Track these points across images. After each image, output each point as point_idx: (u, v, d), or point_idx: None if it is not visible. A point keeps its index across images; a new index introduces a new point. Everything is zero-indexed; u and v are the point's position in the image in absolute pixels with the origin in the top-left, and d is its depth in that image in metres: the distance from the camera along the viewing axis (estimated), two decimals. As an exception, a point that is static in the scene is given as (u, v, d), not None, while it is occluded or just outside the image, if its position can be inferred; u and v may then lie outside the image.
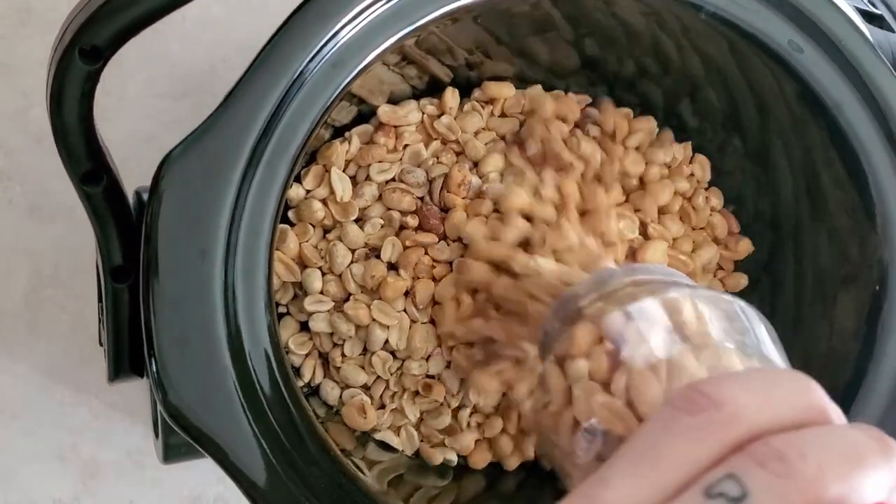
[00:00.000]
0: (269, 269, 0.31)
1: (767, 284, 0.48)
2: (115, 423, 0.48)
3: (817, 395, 0.20)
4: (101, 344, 0.38)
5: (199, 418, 0.30)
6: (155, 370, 0.30)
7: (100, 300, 0.36)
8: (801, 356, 0.44)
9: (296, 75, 0.31)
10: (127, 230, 0.33)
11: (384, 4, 0.32)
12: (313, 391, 0.40)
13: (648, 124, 0.46)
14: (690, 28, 0.41)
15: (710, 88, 0.45)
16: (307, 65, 0.31)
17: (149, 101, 0.50)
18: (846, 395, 0.41)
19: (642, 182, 0.45)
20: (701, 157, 0.47)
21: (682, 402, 0.19)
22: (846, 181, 0.42)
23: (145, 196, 0.35)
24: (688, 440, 0.18)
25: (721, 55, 0.42)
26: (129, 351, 0.35)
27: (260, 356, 0.31)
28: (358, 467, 0.34)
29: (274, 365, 0.31)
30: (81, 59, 0.30)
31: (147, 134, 0.49)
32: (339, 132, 0.41)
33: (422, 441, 0.41)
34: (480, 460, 0.41)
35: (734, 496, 0.17)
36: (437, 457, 0.41)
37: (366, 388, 0.40)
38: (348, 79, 0.32)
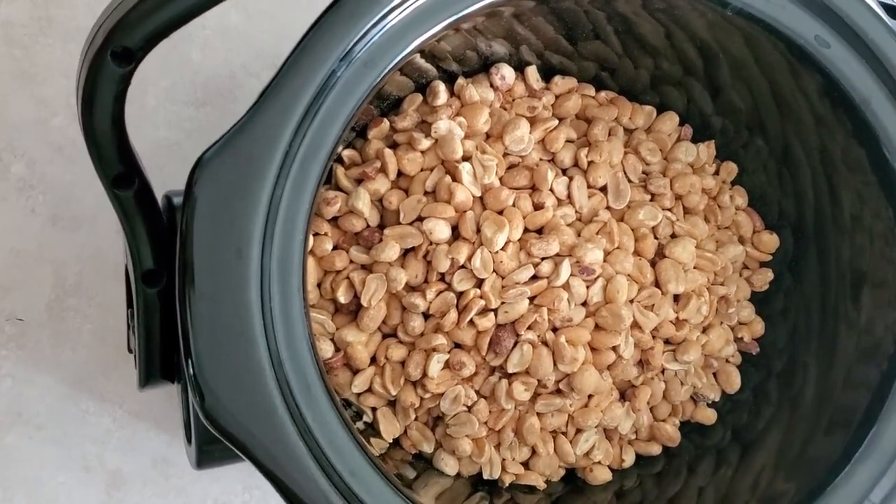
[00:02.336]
0: (303, 271, 0.31)
1: (790, 281, 0.47)
2: (139, 432, 0.47)
3: None
4: (129, 350, 0.37)
5: (238, 422, 0.29)
6: (192, 373, 0.29)
7: (129, 306, 0.36)
8: (828, 354, 0.44)
9: (328, 75, 0.31)
10: (158, 234, 0.33)
11: (414, 2, 0.32)
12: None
13: (671, 120, 0.46)
14: (714, 25, 0.41)
15: (733, 87, 0.45)
16: (339, 64, 0.31)
17: (170, 109, 0.50)
18: (876, 396, 0.40)
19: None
20: (728, 163, 0.47)
21: None
22: (873, 181, 0.42)
23: (175, 200, 0.35)
24: None
25: (744, 52, 0.42)
26: (160, 356, 0.35)
27: (296, 357, 0.30)
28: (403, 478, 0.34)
29: (313, 367, 0.31)
30: (113, 60, 0.29)
31: (169, 141, 0.49)
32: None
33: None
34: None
35: None
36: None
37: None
38: (380, 78, 0.32)
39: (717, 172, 0.47)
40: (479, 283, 0.40)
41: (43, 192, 0.47)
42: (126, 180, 0.32)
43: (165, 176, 0.48)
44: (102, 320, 0.47)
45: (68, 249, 0.47)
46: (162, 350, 0.34)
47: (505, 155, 0.42)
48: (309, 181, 0.31)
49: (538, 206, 0.42)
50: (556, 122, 0.44)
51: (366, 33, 0.31)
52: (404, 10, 0.32)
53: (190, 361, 0.29)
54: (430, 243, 0.40)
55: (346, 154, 0.41)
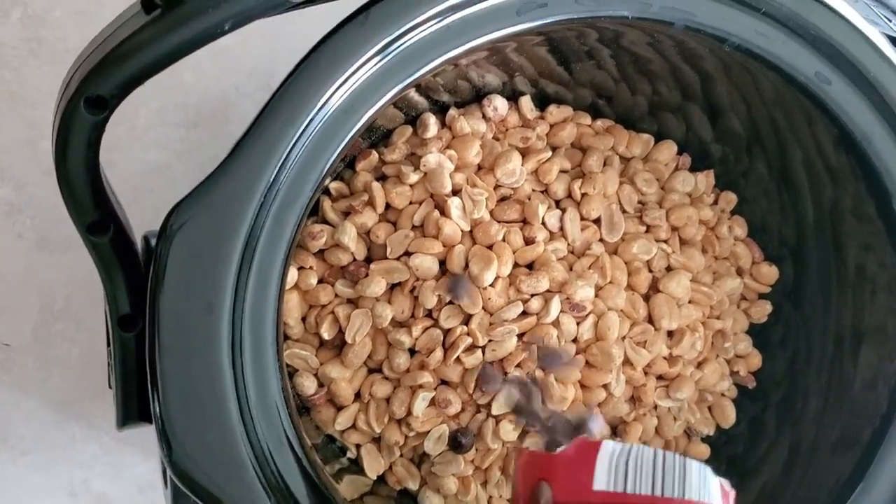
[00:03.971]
0: (277, 323, 0.30)
1: (790, 311, 0.46)
2: (126, 457, 0.47)
3: None
4: (109, 387, 0.37)
5: (206, 477, 0.29)
6: (160, 426, 0.29)
7: (108, 344, 0.35)
8: (829, 383, 0.43)
9: (306, 123, 0.30)
10: (135, 278, 0.32)
11: (395, 50, 0.31)
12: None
13: (669, 150, 0.45)
14: (713, 58, 0.40)
15: (733, 111, 0.44)
16: (317, 112, 0.30)
17: (161, 130, 0.49)
18: (880, 425, 0.40)
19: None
20: (728, 193, 0.46)
21: None
22: (874, 216, 0.41)
23: (153, 241, 0.34)
24: None
25: (745, 85, 0.41)
26: (137, 398, 0.34)
27: (270, 414, 0.30)
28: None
29: (284, 423, 0.30)
30: (87, 108, 0.29)
31: (159, 163, 0.48)
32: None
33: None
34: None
35: None
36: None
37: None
38: (359, 124, 0.31)
39: (716, 202, 0.46)
40: (467, 319, 0.39)
41: (31, 216, 0.47)
42: (101, 227, 0.31)
43: (155, 198, 0.48)
44: (90, 345, 0.47)
45: (56, 273, 0.47)
46: (139, 392, 0.34)
47: (496, 187, 0.42)
48: (285, 232, 0.30)
49: (529, 241, 0.41)
50: (550, 152, 0.43)
51: (345, 80, 0.31)
52: (384, 57, 0.31)
53: (158, 415, 0.29)
54: (417, 279, 0.39)
55: (334, 186, 0.41)
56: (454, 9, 0.32)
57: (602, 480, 0.28)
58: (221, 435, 0.29)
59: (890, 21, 0.42)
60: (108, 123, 0.49)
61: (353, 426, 0.40)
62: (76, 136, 0.29)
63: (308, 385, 0.39)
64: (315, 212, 0.41)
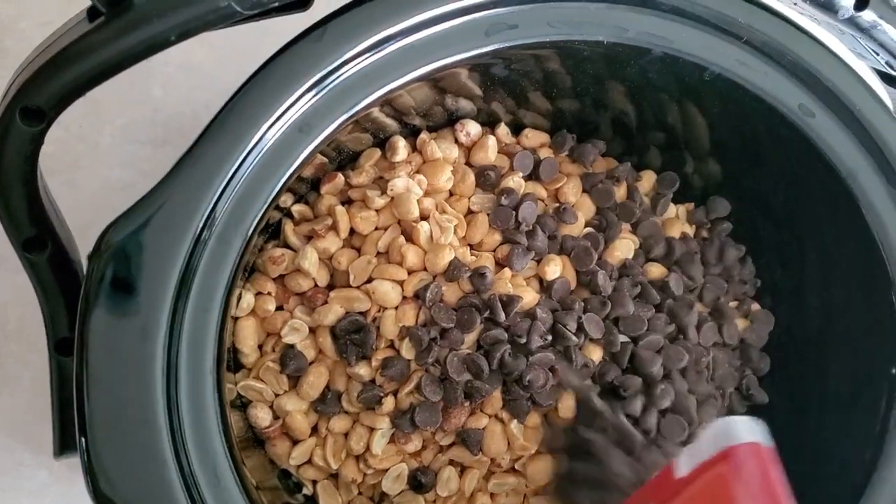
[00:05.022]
0: (219, 351, 0.29)
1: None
2: (76, 486, 0.45)
3: None
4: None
5: (134, 513, 0.27)
6: (86, 458, 0.27)
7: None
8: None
9: (255, 140, 0.29)
10: (75, 300, 0.31)
11: (354, 68, 0.30)
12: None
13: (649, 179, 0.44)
14: (692, 88, 0.38)
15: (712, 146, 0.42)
16: (268, 129, 0.29)
17: (127, 148, 0.47)
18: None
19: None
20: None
21: None
22: (860, 253, 0.40)
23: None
24: None
25: (725, 114, 0.40)
26: (76, 426, 0.33)
27: (206, 449, 0.28)
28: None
29: (224, 457, 0.28)
30: (23, 120, 0.27)
31: (123, 182, 0.47)
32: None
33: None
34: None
35: None
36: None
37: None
38: (314, 144, 0.30)
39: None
40: (431, 351, 0.38)
41: (-14, 232, 0.45)
42: (38, 244, 0.30)
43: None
44: (43, 367, 0.44)
45: (10, 292, 0.45)
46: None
47: (468, 213, 0.40)
48: (229, 253, 0.29)
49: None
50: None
51: (300, 97, 0.29)
52: (342, 75, 0.30)
53: (84, 446, 0.27)
54: (379, 308, 0.38)
55: (297, 209, 0.39)
56: (419, 27, 0.31)
57: None
58: (152, 469, 0.27)
59: (877, 54, 0.40)
60: (72, 139, 0.47)
61: (310, 461, 0.38)
62: (11, 148, 0.28)
63: (262, 417, 0.37)
64: (276, 235, 0.39)
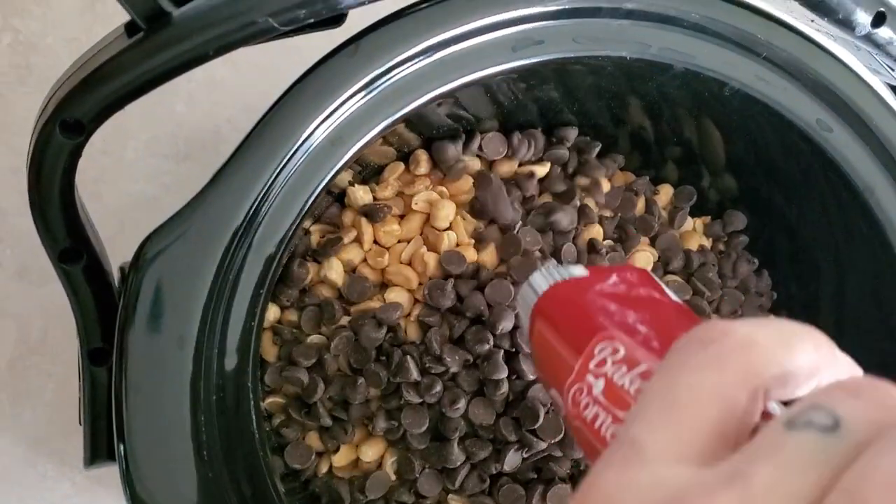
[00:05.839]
0: (255, 358, 0.29)
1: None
2: (99, 498, 0.45)
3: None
4: (80, 423, 0.36)
5: (172, 524, 0.27)
6: (124, 462, 0.27)
7: (80, 379, 0.34)
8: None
9: (290, 154, 0.29)
10: (108, 311, 0.31)
11: (385, 83, 0.30)
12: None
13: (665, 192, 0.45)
14: (712, 104, 0.39)
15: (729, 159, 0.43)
16: (302, 143, 0.29)
17: (150, 162, 0.48)
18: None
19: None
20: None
21: (687, 341, 0.18)
22: (876, 266, 0.40)
23: (130, 273, 0.33)
24: (709, 371, 0.17)
25: (743, 129, 0.40)
26: (107, 436, 0.33)
27: (243, 454, 0.28)
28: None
29: (261, 464, 0.29)
30: (63, 132, 0.28)
31: (147, 196, 0.47)
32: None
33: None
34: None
35: (825, 424, 0.15)
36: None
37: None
38: (346, 157, 0.30)
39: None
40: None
41: (11, 245, 0.46)
42: (74, 255, 0.30)
43: (140, 232, 0.47)
44: (66, 379, 0.45)
45: (33, 304, 0.45)
46: (109, 430, 0.32)
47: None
48: (265, 264, 0.29)
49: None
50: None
51: (333, 111, 0.30)
52: (374, 89, 0.30)
53: (122, 452, 0.27)
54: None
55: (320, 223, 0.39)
56: (448, 43, 0.32)
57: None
58: (188, 476, 0.28)
59: (893, 70, 0.41)
60: (97, 153, 0.48)
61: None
62: (51, 161, 0.28)
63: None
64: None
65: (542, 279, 0.25)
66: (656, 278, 0.25)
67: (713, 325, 0.18)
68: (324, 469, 0.38)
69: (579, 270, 0.25)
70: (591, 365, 0.21)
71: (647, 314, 0.23)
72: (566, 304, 0.24)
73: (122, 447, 0.27)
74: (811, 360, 0.17)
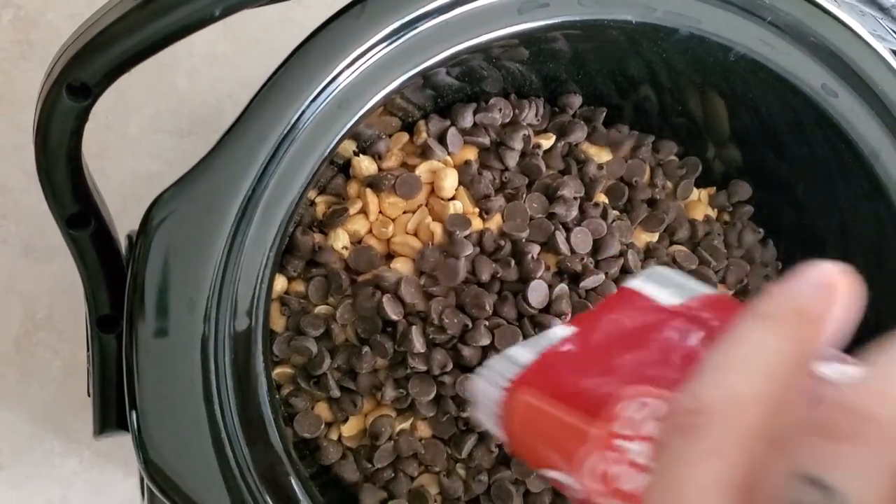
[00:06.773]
0: (265, 322, 0.29)
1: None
2: (107, 474, 0.45)
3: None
4: (88, 394, 0.36)
5: (184, 483, 0.27)
6: (136, 427, 0.27)
7: (88, 349, 0.34)
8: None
9: (296, 116, 0.29)
10: (116, 277, 0.31)
11: (390, 45, 0.30)
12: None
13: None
14: (716, 70, 0.39)
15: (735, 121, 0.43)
16: (308, 106, 0.29)
17: (153, 138, 0.48)
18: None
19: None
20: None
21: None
22: (881, 234, 0.40)
23: (137, 240, 0.33)
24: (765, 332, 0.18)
25: (748, 97, 0.40)
26: (116, 404, 0.33)
27: (252, 418, 0.28)
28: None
29: (270, 429, 0.29)
30: (69, 95, 0.28)
31: (150, 172, 0.47)
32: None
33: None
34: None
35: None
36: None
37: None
38: (353, 120, 0.30)
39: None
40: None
41: (16, 222, 0.46)
42: (82, 220, 0.30)
43: (145, 208, 0.47)
44: (73, 356, 0.45)
45: (40, 281, 0.45)
46: (118, 398, 0.32)
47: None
48: (273, 228, 0.29)
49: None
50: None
51: (339, 74, 0.30)
52: (380, 51, 0.30)
53: (134, 417, 0.27)
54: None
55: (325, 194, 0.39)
56: (454, 4, 0.32)
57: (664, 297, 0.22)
58: (201, 439, 0.28)
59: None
60: (100, 129, 0.48)
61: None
62: (58, 124, 0.28)
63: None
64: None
65: (522, 352, 0.22)
66: (645, 291, 0.23)
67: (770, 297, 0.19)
68: (333, 438, 0.37)
69: (562, 331, 0.22)
70: (618, 428, 0.19)
71: (655, 345, 0.21)
72: (562, 372, 0.21)
73: (133, 413, 0.27)
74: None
